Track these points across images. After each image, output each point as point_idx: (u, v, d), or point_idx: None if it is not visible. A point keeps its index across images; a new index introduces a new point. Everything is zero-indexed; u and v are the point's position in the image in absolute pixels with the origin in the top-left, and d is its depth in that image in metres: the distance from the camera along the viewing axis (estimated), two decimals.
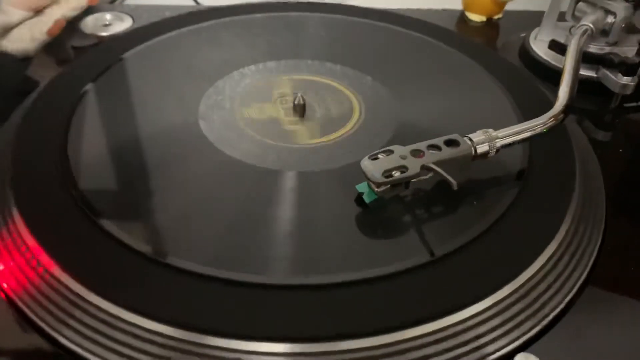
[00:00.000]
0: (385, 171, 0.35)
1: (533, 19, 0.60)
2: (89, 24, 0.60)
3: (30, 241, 0.33)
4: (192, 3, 0.73)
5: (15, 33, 0.56)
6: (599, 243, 0.38)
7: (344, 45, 0.54)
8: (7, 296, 0.33)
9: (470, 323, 0.31)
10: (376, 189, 0.35)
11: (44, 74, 0.53)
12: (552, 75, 0.51)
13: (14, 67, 0.56)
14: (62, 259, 0.32)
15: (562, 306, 0.34)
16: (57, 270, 0.32)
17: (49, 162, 0.39)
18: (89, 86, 0.46)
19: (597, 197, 0.41)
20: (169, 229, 0.35)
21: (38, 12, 0.57)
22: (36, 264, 0.32)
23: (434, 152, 0.36)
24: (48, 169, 0.38)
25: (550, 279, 0.34)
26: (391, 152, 0.36)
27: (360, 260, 0.34)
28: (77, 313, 0.31)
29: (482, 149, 0.37)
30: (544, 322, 0.33)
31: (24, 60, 0.56)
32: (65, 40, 0.58)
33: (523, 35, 0.59)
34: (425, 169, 0.36)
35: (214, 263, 0.32)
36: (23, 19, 0.56)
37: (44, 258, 0.32)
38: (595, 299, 0.35)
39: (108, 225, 0.34)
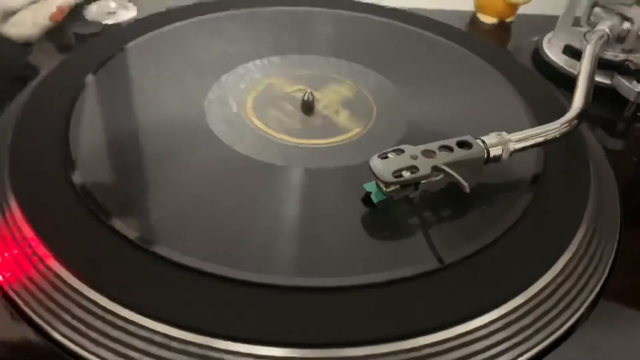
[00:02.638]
0: (395, 171, 0.34)
1: (545, 23, 0.59)
2: (93, 11, 0.59)
3: (27, 232, 0.32)
4: None
5: (17, 18, 0.55)
6: (613, 254, 0.37)
7: (353, 43, 0.53)
8: (0, 288, 0.31)
9: (476, 335, 0.30)
10: (385, 189, 0.34)
11: (45, 60, 0.52)
12: (565, 81, 0.51)
13: (14, 53, 0.55)
14: (59, 251, 0.31)
15: (574, 319, 0.33)
16: (53, 263, 0.31)
17: (50, 151, 0.37)
18: (91, 76, 0.45)
19: (612, 206, 0.40)
20: (169, 223, 0.34)
21: None
22: (32, 254, 0.31)
23: (445, 153, 0.35)
24: (48, 159, 0.37)
25: (562, 290, 0.33)
26: (402, 151, 0.35)
27: (365, 264, 0.33)
28: (72, 307, 0.29)
29: (495, 152, 0.36)
30: (555, 336, 0.32)
31: (25, 45, 0.55)
32: (68, 27, 0.57)
33: (536, 39, 0.59)
34: (436, 170, 0.35)
35: (214, 259, 0.31)
36: (25, 4, 0.55)
37: (41, 249, 0.31)
38: (610, 312, 0.34)
39: (108, 217, 0.33)
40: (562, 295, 0.33)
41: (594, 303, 0.34)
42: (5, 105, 0.45)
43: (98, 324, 0.29)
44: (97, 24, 0.58)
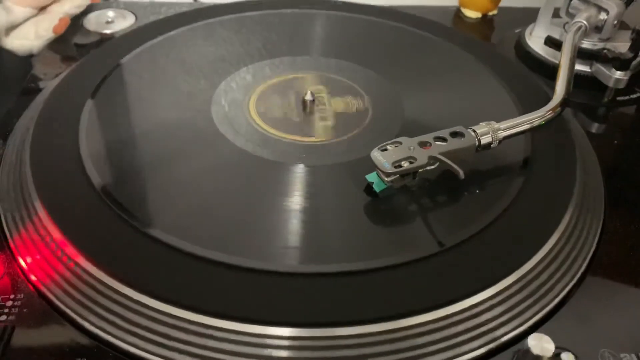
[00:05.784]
0: (395, 161, 0.36)
1: (526, 15, 0.61)
2: (92, 21, 0.60)
3: (55, 233, 0.34)
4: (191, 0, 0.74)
5: (19, 30, 0.56)
6: (599, 231, 0.39)
7: (347, 43, 0.55)
8: (35, 288, 0.33)
9: (477, 309, 0.32)
10: (386, 179, 0.37)
11: (48, 71, 0.54)
12: (548, 70, 0.53)
13: (18, 65, 0.56)
14: (87, 250, 0.33)
15: (565, 292, 0.35)
16: (82, 261, 0.33)
17: (69, 156, 0.39)
18: (99, 86, 0.47)
19: (596, 187, 0.42)
20: (187, 218, 0.36)
21: (42, 9, 0.58)
22: (61, 254, 0.33)
23: (440, 143, 0.38)
24: (68, 163, 0.39)
25: (554, 266, 0.35)
26: (399, 143, 0.38)
27: (369, 250, 0.35)
28: (104, 301, 0.32)
29: (485, 140, 0.39)
30: (549, 308, 0.34)
31: (28, 57, 0.57)
32: (69, 37, 0.58)
33: (518, 31, 0.61)
34: (432, 159, 0.37)
35: (229, 251, 0.33)
36: (27, 17, 0.57)
37: (70, 249, 0.33)
38: (598, 284, 0.36)
39: (128, 215, 0.35)
40: (554, 271, 0.35)
41: (583, 276, 0.37)
42: (15, 118, 0.47)
43: (128, 314, 0.31)
44: (96, 33, 0.59)
